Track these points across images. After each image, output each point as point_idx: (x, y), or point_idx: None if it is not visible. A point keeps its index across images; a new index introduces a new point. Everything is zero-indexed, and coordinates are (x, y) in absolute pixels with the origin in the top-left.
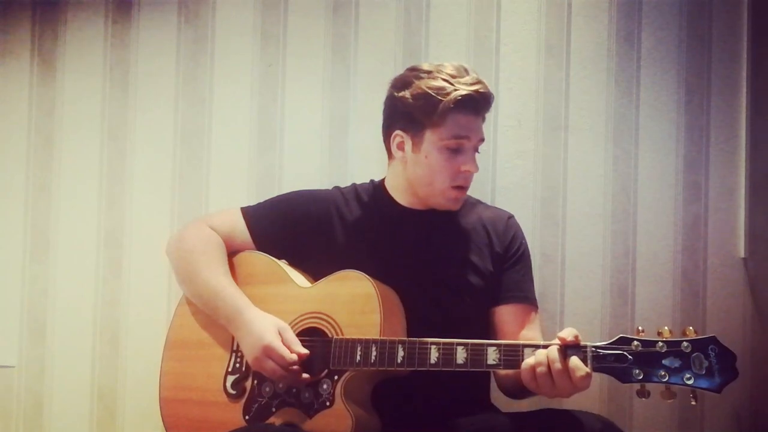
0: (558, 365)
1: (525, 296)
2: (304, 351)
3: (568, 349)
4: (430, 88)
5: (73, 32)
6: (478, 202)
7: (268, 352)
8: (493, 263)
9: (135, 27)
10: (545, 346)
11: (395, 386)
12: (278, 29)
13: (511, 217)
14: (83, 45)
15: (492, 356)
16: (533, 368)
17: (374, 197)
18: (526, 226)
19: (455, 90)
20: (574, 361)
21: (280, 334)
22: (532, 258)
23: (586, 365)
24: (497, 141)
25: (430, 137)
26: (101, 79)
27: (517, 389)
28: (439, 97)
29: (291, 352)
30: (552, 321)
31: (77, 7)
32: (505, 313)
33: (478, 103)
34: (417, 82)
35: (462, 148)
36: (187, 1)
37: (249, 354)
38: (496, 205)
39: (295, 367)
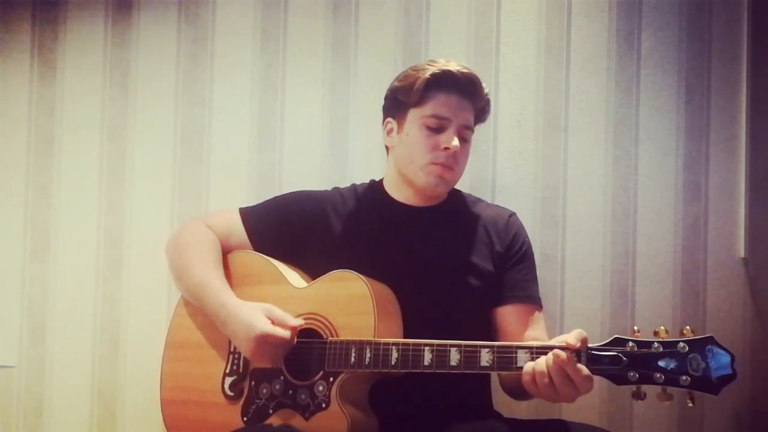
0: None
1: (528, 295)
2: (298, 322)
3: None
4: (412, 68)
5: (73, 32)
6: (479, 200)
7: (264, 339)
8: (494, 262)
9: (135, 27)
10: (539, 348)
11: (393, 387)
12: (278, 29)
13: (512, 215)
14: (83, 45)
15: (485, 358)
16: (533, 374)
17: (372, 195)
18: (526, 225)
19: (433, 68)
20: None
21: (268, 317)
22: None
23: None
24: (497, 141)
25: (412, 116)
26: (101, 79)
27: (518, 391)
28: (418, 74)
29: (286, 329)
30: (552, 321)
31: (77, 7)
32: (508, 313)
33: (459, 81)
34: (406, 71)
35: (443, 128)
36: (187, 1)
37: (245, 348)
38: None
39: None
